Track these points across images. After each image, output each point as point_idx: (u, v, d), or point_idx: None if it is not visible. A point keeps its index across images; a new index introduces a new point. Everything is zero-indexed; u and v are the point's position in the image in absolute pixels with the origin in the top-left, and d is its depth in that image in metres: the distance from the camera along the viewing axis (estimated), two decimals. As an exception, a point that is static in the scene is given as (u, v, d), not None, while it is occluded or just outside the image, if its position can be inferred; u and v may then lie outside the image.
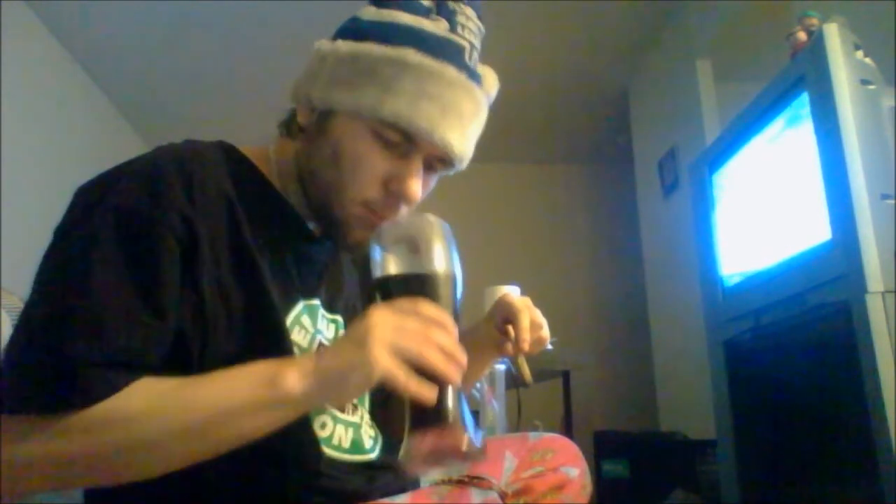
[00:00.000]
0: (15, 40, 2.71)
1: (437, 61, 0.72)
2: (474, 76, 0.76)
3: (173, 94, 3.66)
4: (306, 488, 0.71)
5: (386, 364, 0.59)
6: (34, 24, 2.94)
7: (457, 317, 0.66)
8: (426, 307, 0.63)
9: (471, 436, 0.61)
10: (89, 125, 3.47)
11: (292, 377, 0.60)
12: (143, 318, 0.62)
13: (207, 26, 3.08)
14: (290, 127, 0.81)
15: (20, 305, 1.90)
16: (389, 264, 0.67)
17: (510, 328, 0.82)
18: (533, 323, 0.82)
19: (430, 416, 0.61)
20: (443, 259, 0.67)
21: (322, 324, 0.81)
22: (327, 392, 0.62)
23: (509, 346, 0.83)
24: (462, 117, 0.74)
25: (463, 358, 0.62)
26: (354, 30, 0.76)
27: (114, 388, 0.60)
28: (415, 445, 0.61)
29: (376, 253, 0.68)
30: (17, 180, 2.63)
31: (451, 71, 0.73)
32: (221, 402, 0.61)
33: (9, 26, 2.64)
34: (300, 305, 0.76)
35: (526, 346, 0.80)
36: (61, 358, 0.59)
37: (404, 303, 0.63)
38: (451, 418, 0.61)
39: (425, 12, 0.76)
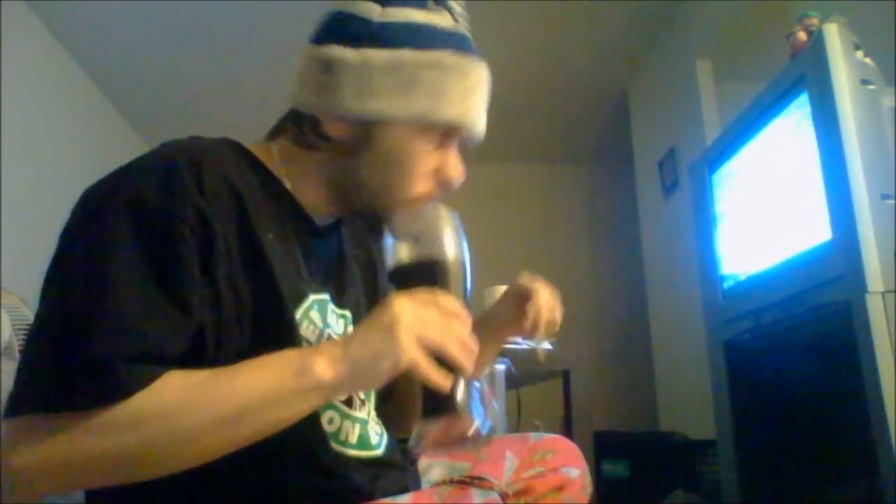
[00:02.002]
0: (15, 40, 2.71)
1: (466, 58, 0.77)
2: (482, 60, 0.82)
3: (173, 94, 3.66)
4: (313, 483, 0.71)
5: (413, 353, 0.62)
6: (34, 24, 2.94)
7: (466, 303, 0.69)
8: (444, 299, 0.66)
9: (478, 425, 0.65)
10: (89, 125, 3.47)
11: (321, 365, 0.62)
12: (166, 312, 0.63)
13: (208, 27, 3.08)
14: (302, 137, 0.79)
15: (20, 305, 1.89)
16: (402, 252, 0.70)
17: (528, 306, 0.84)
18: (548, 302, 0.84)
19: (441, 405, 0.64)
20: (453, 247, 0.70)
21: (331, 318, 0.81)
22: (357, 378, 0.64)
23: (527, 324, 0.86)
24: (486, 102, 0.81)
25: (476, 349, 0.66)
26: (369, 34, 0.75)
27: (144, 382, 0.60)
28: (425, 431, 0.64)
29: (389, 241, 0.71)
30: (17, 180, 2.63)
31: (476, 64, 0.79)
32: (254, 392, 0.62)
33: (9, 26, 2.64)
34: (310, 300, 0.76)
35: (543, 323, 0.83)
36: (89, 355, 0.59)
37: (424, 294, 0.66)
38: (460, 407, 0.65)
39: (424, 3, 0.78)
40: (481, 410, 0.66)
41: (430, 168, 0.78)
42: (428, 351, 0.63)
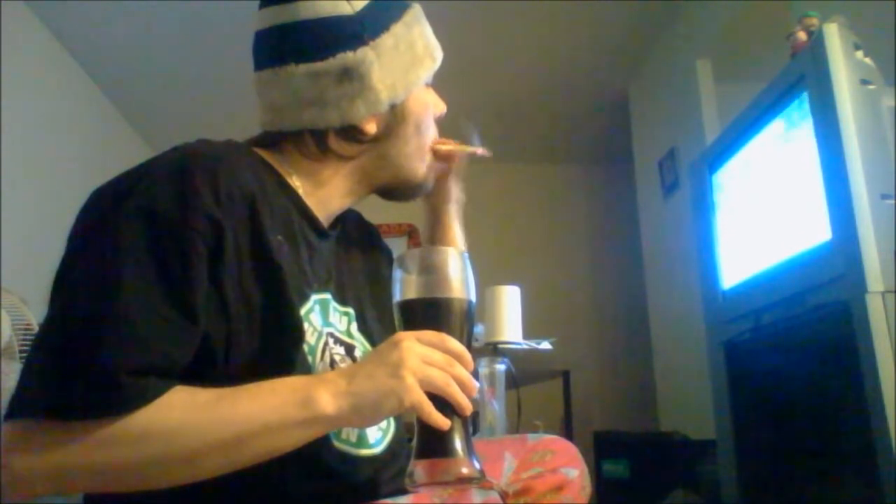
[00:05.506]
0: (15, 40, 2.71)
1: (411, 5, 0.85)
2: None
3: (173, 94, 3.66)
4: (313, 481, 0.71)
5: (418, 395, 0.62)
6: (34, 25, 2.94)
7: (469, 342, 0.70)
8: (450, 341, 0.66)
9: (475, 467, 0.66)
10: (89, 125, 3.47)
11: (325, 398, 0.62)
12: (175, 323, 0.63)
13: (208, 27, 3.08)
14: (312, 152, 0.81)
15: (20, 305, 1.89)
16: (411, 287, 0.69)
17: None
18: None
19: (438, 445, 0.65)
20: (462, 288, 0.70)
21: (334, 317, 0.81)
22: (359, 414, 0.64)
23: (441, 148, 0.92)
24: None
25: (475, 391, 0.67)
26: (361, 27, 0.78)
27: (149, 398, 0.60)
28: (421, 470, 0.65)
29: (398, 273, 0.70)
30: (18, 180, 2.63)
31: (413, 2, 0.86)
32: (256, 419, 0.62)
33: (9, 26, 2.64)
34: (311, 302, 0.76)
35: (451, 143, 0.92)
36: (96, 364, 0.59)
37: (430, 334, 0.66)
38: (458, 448, 0.65)
39: None
40: (472, 447, 0.67)
41: (434, 113, 0.87)
42: (430, 392, 0.63)
